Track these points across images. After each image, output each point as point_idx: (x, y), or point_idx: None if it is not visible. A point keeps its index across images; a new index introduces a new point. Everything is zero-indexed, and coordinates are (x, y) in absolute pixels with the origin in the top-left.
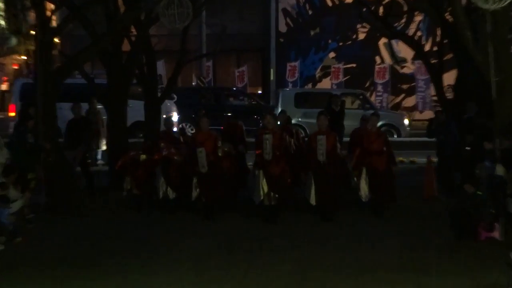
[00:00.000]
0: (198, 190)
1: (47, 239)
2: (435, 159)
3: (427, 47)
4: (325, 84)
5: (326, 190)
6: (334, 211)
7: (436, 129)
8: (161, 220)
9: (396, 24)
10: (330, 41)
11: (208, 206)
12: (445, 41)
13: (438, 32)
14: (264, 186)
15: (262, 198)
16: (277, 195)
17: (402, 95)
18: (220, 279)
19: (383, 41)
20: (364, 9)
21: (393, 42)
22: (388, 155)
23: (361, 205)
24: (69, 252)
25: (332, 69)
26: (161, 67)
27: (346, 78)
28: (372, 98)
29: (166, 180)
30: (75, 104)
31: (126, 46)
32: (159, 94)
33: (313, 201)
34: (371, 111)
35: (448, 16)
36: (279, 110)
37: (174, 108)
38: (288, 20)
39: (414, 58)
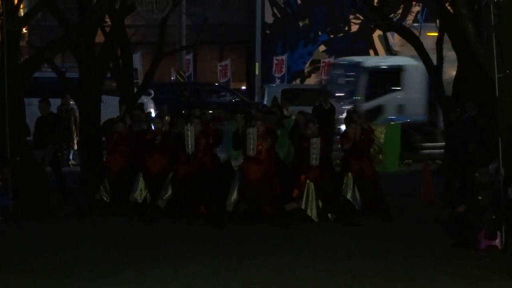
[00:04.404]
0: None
1: (14, 244)
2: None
3: None
4: (314, 79)
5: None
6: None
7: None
8: (138, 225)
9: (392, 15)
10: (320, 33)
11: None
12: (445, 34)
13: (438, 24)
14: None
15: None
16: (247, 206)
17: None
18: (205, 286)
19: (377, 33)
20: None
21: (389, 34)
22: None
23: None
24: (38, 259)
25: (322, 64)
26: (138, 60)
27: None
28: None
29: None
30: (42, 100)
31: (99, 38)
32: (135, 90)
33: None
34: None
35: (448, 7)
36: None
37: (151, 104)
38: (275, 10)
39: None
